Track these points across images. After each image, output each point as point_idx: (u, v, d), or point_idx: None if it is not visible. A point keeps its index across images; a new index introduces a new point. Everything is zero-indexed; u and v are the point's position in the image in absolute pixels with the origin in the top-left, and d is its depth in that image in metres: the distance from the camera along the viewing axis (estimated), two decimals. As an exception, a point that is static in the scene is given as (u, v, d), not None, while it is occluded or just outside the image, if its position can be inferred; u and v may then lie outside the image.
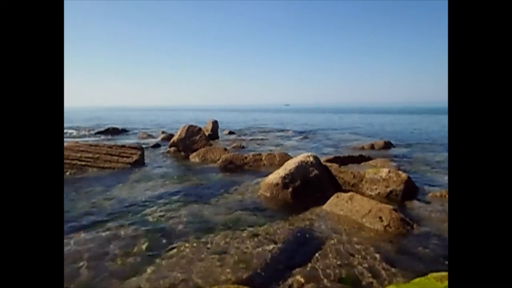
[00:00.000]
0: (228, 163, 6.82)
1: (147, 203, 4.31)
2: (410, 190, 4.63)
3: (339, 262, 2.69)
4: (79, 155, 6.64)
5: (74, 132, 15.73)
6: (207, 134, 10.52)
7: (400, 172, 4.83)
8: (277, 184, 4.61)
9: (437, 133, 14.30)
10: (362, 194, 4.48)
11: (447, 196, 4.41)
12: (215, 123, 13.31)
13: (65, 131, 15.77)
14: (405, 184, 4.55)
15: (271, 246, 3.00)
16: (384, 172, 4.79)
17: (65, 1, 1.40)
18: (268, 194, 4.64)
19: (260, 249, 2.95)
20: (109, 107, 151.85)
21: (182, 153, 8.58)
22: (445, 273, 2.03)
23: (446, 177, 5.64)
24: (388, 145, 9.81)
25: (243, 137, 13.36)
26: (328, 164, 5.42)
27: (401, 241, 3.14)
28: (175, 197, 4.59)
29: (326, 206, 4.08)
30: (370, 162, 6.81)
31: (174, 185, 5.31)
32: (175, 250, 2.92)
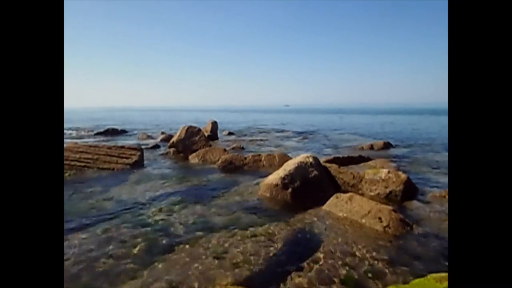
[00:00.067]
0: (227, 164, 6.82)
1: (146, 204, 4.30)
2: (410, 191, 4.63)
3: (338, 263, 2.69)
4: (78, 156, 6.64)
5: (74, 133, 15.72)
6: (206, 135, 10.52)
7: (399, 172, 4.83)
8: (277, 184, 4.61)
9: (437, 134, 14.32)
10: (362, 194, 4.49)
11: (446, 196, 4.41)
12: (214, 124, 13.31)
13: (64, 131, 15.77)
14: (404, 185, 4.55)
15: (270, 247, 3.00)
16: (383, 172, 4.80)
17: (65, 1, 1.40)
18: (267, 195, 4.64)
19: (260, 250, 2.94)
20: (109, 108, 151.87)
21: (182, 154, 8.57)
22: (445, 274, 2.02)
23: (446, 178, 5.65)
24: (387, 146, 9.83)
25: (242, 138, 13.36)
26: (327, 164, 5.42)
27: (400, 241, 3.14)
28: (174, 198, 4.59)
29: (326, 207, 4.08)
30: (370, 162, 6.82)
31: (174, 186, 5.31)
32: (175, 251, 2.92)
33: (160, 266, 2.66)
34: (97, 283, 2.42)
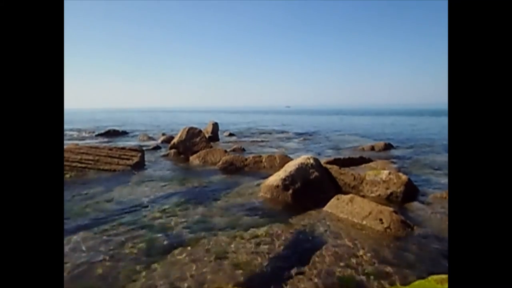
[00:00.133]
0: (228, 165, 6.82)
1: (147, 205, 4.30)
2: (411, 192, 4.62)
3: (339, 264, 2.68)
4: (79, 157, 6.64)
5: (75, 134, 15.75)
6: (207, 136, 10.53)
7: (400, 174, 4.82)
8: (278, 186, 4.61)
9: (437, 135, 14.29)
10: (363, 196, 4.48)
11: (447, 197, 4.40)
12: (215, 125, 13.32)
13: (65, 133, 15.80)
14: (405, 186, 4.54)
15: (271, 248, 2.99)
16: (384, 174, 4.79)
17: (65, 1, 1.40)
18: (268, 196, 4.63)
19: (261, 251, 2.94)
20: (109, 109, 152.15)
21: (182, 155, 8.57)
22: (445, 276, 2.02)
23: (447, 179, 5.63)
24: (388, 147, 9.81)
25: (243, 139, 13.36)
26: (328, 166, 5.42)
27: (401, 243, 3.13)
28: (175, 199, 4.58)
29: (327, 208, 4.07)
30: (371, 164, 6.81)
31: (174, 187, 5.30)
32: (176, 252, 2.91)
33: (160, 267, 2.66)
34: (97, 284, 2.41)
